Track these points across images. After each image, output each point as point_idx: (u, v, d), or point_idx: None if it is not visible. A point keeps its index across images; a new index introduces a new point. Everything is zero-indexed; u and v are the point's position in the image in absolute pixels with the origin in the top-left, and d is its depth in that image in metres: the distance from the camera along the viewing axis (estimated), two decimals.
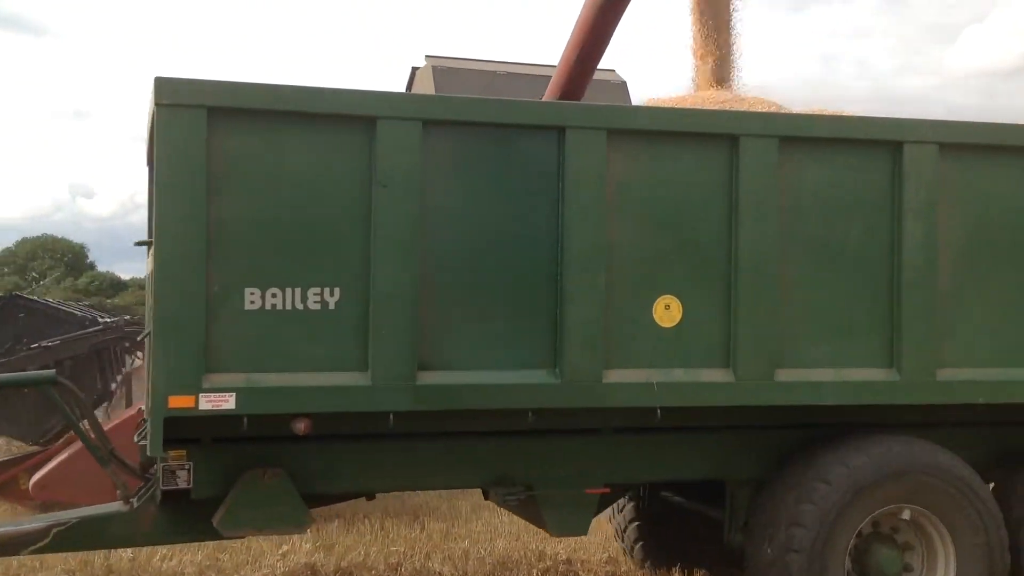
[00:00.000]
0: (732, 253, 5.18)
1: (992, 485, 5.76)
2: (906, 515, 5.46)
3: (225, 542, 7.29)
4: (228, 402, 4.58)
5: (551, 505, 5.50)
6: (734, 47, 13.25)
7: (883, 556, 5.47)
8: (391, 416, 4.85)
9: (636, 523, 7.17)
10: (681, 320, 5.17)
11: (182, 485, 4.96)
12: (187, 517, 5.23)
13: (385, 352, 4.76)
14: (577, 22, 8.54)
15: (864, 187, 5.37)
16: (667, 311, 5.15)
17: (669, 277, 5.16)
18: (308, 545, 7.57)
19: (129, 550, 7.09)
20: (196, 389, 4.54)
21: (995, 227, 5.54)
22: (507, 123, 4.97)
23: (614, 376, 5.07)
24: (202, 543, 7.16)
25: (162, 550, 7.21)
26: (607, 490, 5.54)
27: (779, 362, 5.26)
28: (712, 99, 6.91)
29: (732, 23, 13.37)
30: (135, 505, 5.32)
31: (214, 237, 4.58)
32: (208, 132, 4.55)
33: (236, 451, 5.01)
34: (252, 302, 4.65)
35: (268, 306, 4.67)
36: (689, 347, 5.18)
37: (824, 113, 7.34)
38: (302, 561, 7.17)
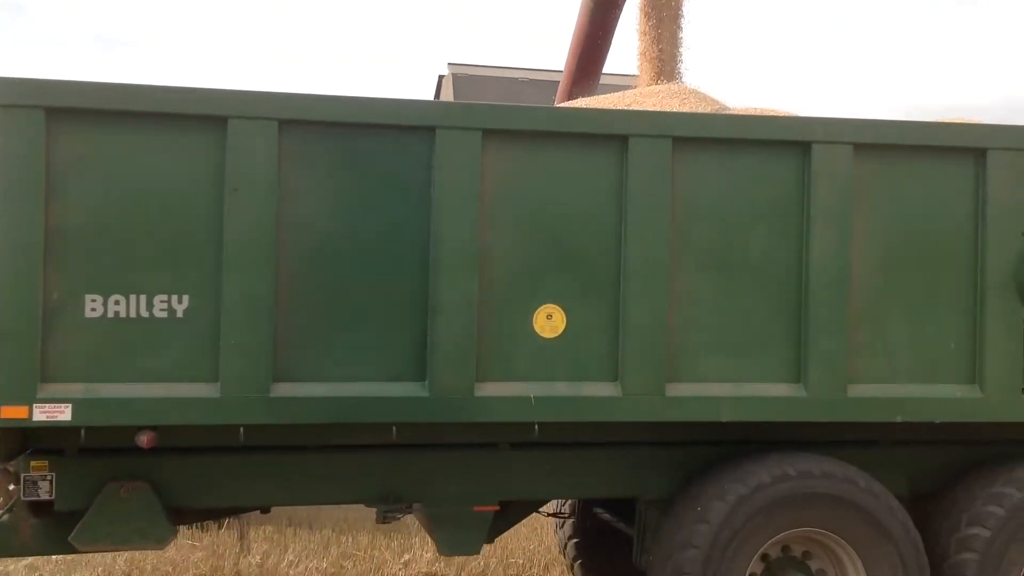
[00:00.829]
0: (620, 261, 4.86)
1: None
2: (814, 539, 5.10)
3: (348, 550, 7.83)
4: (64, 413, 4.39)
5: (440, 522, 5.24)
6: (681, 40, 12.88)
7: None
8: (242, 430, 4.63)
9: (574, 540, 6.90)
10: (564, 331, 4.86)
11: (44, 496, 4.79)
12: (65, 528, 5.07)
13: (236, 363, 4.53)
14: (574, 29, 8.36)
15: (769, 191, 5.00)
16: (549, 321, 4.85)
17: (552, 286, 4.85)
18: (429, 554, 7.62)
19: (257, 555, 7.39)
20: (30, 400, 4.35)
21: (916, 233, 5.13)
22: (373, 123, 4.70)
23: (489, 389, 4.78)
24: (326, 551, 7.71)
25: (289, 556, 7.47)
26: (496, 508, 5.25)
27: (672, 376, 4.93)
28: (644, 96, 6.62)
29: (682, 16, 12.96)
30: (4, 516, 5.17)
31: (53, 242, 4.39)
32: (47, 133, 4.37)
33: (102, 463, 4.83)
34: (93, 309, 4.45)
35: (111, 314, 4.47)
36: (573, 359, 4.87)
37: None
38: (423, 571, 7.36)
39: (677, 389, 4.93)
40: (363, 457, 5.10)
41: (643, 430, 5.14)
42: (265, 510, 5.73)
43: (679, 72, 7.54)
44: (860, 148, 5.01)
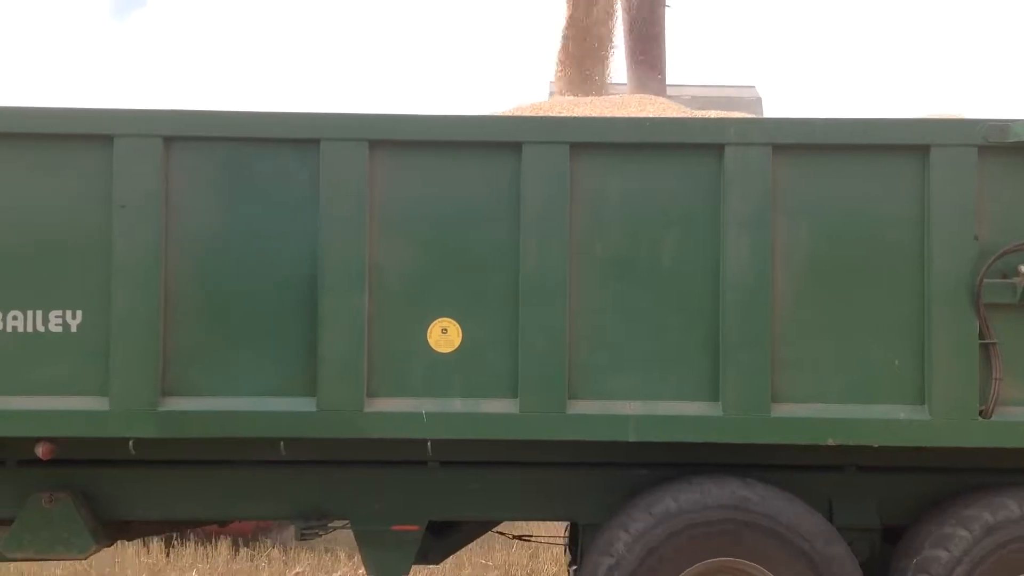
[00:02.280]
0: (518, 273, 4.67)
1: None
2: (737, 568, 4.71)
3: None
4: None
5: (366, 541, 5.16)
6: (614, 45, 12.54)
7: None
8: (131, 443, 4.71)
9: (574, 567, 6.65)
10: (460, 345, 4.70)
11: None
12: None
13: (124, 377, 4.62)
14: None
15: (681, 197, 4.69)
16: (444, 335, 4.71)
17: (447, 299, 4.71)
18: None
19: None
20: None
21: (852, 240, 4.70)
22: (259, 137, 4.72)
23: (380, 405, 4.68)
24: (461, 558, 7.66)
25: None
26: (416, 527, 5.11)
27: (575, 393, 4.68)
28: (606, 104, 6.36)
29: (614, 20, 12.53)
30: None
31: None
32: None
33: (36, 474, 5.02)
34: None
35: (9, 328, 4.65)
36: (470, 375, 4.70)
37: None
38: None
39: (580, 406, 4.67)
40: (289, 472, 5.08)
41: (581, 450, 4.90)
42: (222, 524, 5.82)
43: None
44: (780, 149, 4.63)
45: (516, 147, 4.65)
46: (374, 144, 4.66)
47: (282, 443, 4.76)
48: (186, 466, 5.05)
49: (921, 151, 4.62)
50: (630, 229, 4.70)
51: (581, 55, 11.66)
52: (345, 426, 4.66)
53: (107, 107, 4.74)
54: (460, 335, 4.70)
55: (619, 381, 4.70)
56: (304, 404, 4.66)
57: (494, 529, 5.95)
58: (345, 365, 4.64)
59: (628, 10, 11.57)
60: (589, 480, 5.09)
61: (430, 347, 4.70)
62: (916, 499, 5.02)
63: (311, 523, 5.12)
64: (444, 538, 5.56)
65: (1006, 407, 4.62)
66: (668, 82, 12.73)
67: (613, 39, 12.52)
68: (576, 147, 4.65)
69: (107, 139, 4.62)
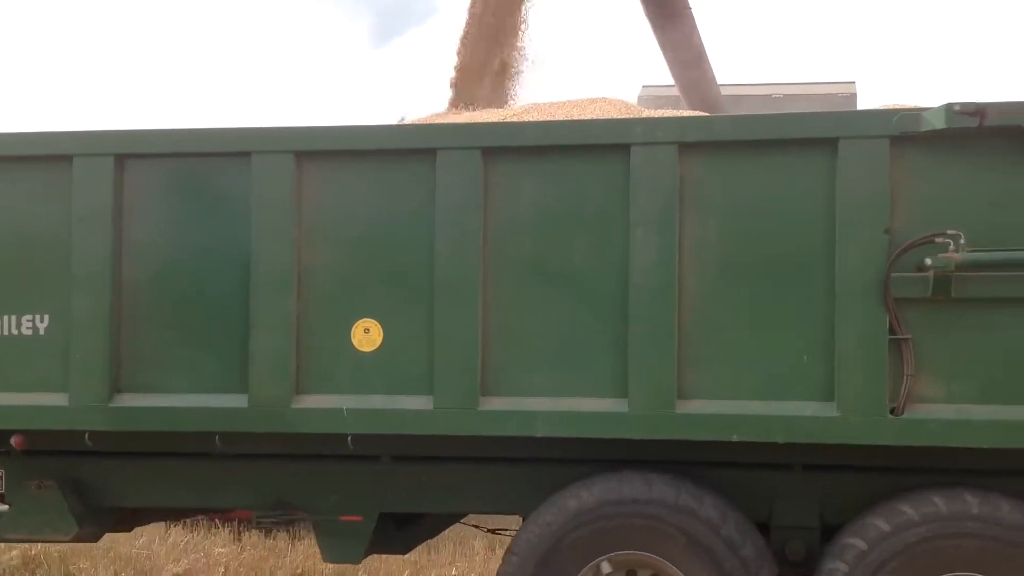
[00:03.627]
0: (433, 274, 4.86)
1: None
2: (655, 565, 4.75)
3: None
4: None
5: (322, 530, 5.46)
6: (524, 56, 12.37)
7: None
8: (87, 435, 5.16)
9: None
10: (381, 345, 4.94)
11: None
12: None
13: (81, 375, 5.09)
14: None
15: (590, 198, 4.77)
16: (367, 335, 4.95)
17: (370, 300, 4.95)
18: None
19: None
20: None
21: (760, 236, 4.65)
22: (198, 152, 5.10)
23: (307, 401, 4.97)
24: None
25: None
26: (359, 518, 5.36)
27: (488, 390, 4.83)
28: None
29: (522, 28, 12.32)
30: None
31: None
32: None
33: (39, 462, 5.55)
34: None
35: None
36: (390, 373, 4.93)
37: None
38: None
39: (492, 403, 4.82)
40: (254, 465, 5.43)
41: (521, 446, 5.02)
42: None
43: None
44: (686, 147, 4.64)
45: (431, 153, 4.84)
46: (300, 155, 4.95)
47: (217, 437, 5.11)
48: (160, 458, 5.47)
49: (830, 144, 4.54)
50: (542, 230, 4.82)
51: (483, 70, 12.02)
52: (274, 421, 4.97)
53: (66, 130, 5.21)
54: (381, 335, 4.94)
55: (531, 378, 4.82)
56: (237, 400, 5.00)
57: (464, 521, 6.15)
58: (274, 363, 4.95)
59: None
60: (535, 475, 5.20)
61: (354, 346, 4.95)
62: (858, 498, 4.90)
63: (270, 513, 5.47)
64: (407, 529, 5.81)
65: (919, 404, 4.48)
66: (759, 80, 12.61)
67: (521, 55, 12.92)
68: (488, 152, 4.80)
69: (67, 159, 5.10)
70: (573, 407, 4.75)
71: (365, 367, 4.94)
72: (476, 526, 6.19)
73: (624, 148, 4.68)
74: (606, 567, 4.75)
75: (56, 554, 7.94)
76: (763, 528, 4.99)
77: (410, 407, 4.88)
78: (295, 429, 5.00)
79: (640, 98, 14.63)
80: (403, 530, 5.79)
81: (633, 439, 4.74)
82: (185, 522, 8.09)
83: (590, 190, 4.77)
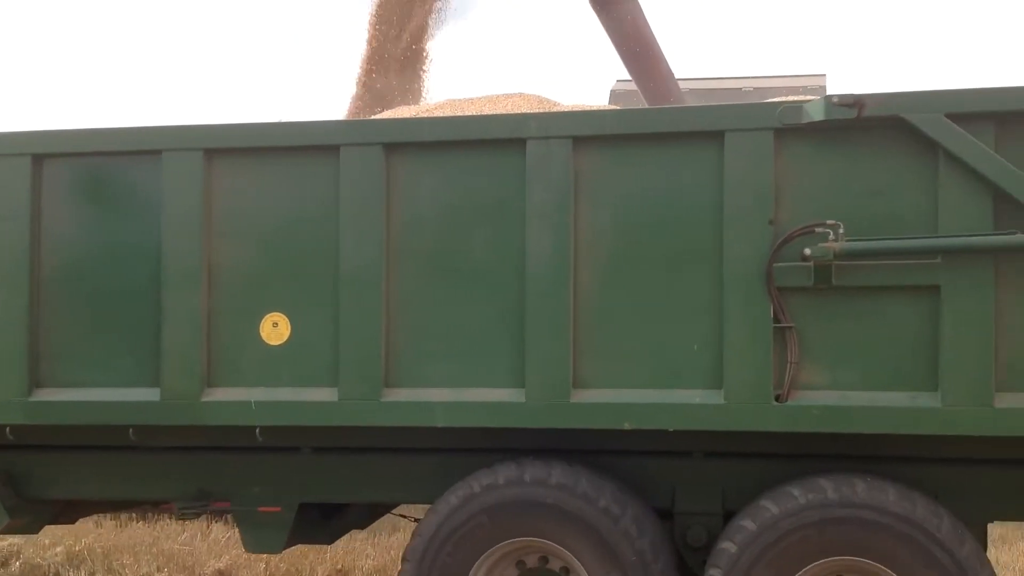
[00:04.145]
0: (338, 269, 4.97)
1: None
2: (546, 550, 4.88)
3: None
4: None
5: (243, 521, 5.58)
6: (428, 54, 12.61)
7: None
8: (8, 429, 5.29)
9: None
10: (290, 338, 5.05)
11: None
12: None
13: (2, 372, 5.21)
14: None
15: (488, 192, 4.87)
16: (275, 329, 5.07)
17: (278, 295, 5.07)
18: None
19: None
20: None
21: (652, 228, 4.74)
22: (112, 151, 5.21)
23: (216, 395, 5.08)
24: None
25: None
26: (279, 509, 5.47)
27: (390, 381, 4.94)
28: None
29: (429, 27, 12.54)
30: None
31: None
32: None
33: None
34: None
35: None
36: (297, 365, 5.04)
37: None
38: None
39: (394, 394, 4.93)
40: (180, 457, 5.55)
41: (430, 436, 5.12)
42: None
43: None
44: (580, 141, 4.74)
45: (334, 150, 4.95)
46: (209, 152, 5.07)
47: (131, 430, 5.24)
48: (85, 451, 5.58)
49: (716, 137, 4.63)
50: (443, 224, 4.92)
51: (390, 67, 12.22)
52: (184, 414, 5.09)
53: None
54: (289, 329, 5.05)
55: (433, 369, 4.92)
56: (150, 394, 5.12)
57: (395, 512, 6.26)
58: (184, 357, 5.07)
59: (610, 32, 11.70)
60: (447, 465, 5.30)
61: (262, 340, 5.07)
62: (759, 484, 4.98)
63: (192, 504, 5.58)
64: (334, 520, 5.93)
65: (803, 391, 4.57)
66: (729, 74, 12.64)
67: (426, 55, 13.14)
68: (389, 147, 4.91)
69: None
70: (472, 397, 4.86)
71: (273, 360, 5.06)
72: (403, 516, 6.29)
73: (520, 143, 4.78)
74: (502, 552, 4.86)
75: (99, 550, 8.06)
76: (667, 515, 5.11)
77: (316, 399, 4.99)
78: (204, 422, 5.11)
79: (613, 92, 14.72)
80: (329, 520, 5.91)
81: (539, 429, 4.84)
82: (226, 518, 8.19)
83: (489, 184, 4.87)
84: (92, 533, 8.57)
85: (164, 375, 5.09)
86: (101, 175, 5.25)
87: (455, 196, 4.91)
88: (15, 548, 7.91)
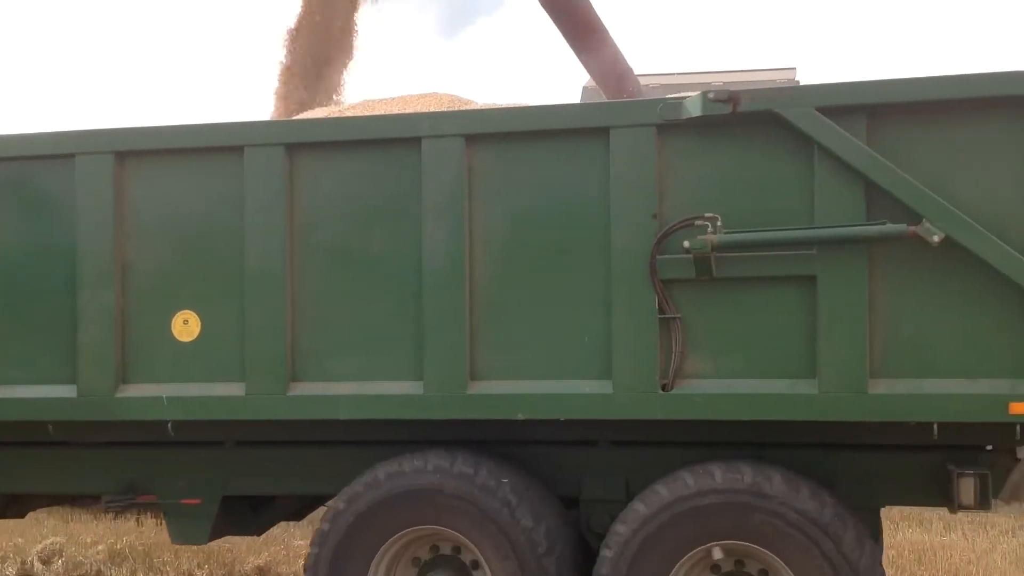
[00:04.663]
0: (244, 267, 5.11)
1: None
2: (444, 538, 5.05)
3: None
4: None
5: (168, 513, 5.74)
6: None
7: None
8: None
9: None
10: (200, 335, 5.20)
11: None
12: None
13: None
14: None
15: (387, 190, 5.01)
16: (186, 326, 5.21)
17: (188, 293, 5.22)
18: None
19: None
20: None
21: (544, 223, 4.86)
22: (27, 156, 5.37)
23: (129, 391, 5.24)
24: None
25: None
26: (198, 501, 5.63)
27: (296, 376, 5.09)
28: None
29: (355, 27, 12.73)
30: None
31: None
32: None
33: None
34: None
35: None
36: (207, 361, 5.19)
37: None
38: None
39: (299, 388, 5.08)
40: (107, 452, 5.71)
41: (342, 429, 5.26)
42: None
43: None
44: (472, 139, 4.86)
45: (239, 151, 5.09)
46: (120, 155, 5.22)
47: (50, 426, 5.40)
48: (21, 447, 5.75)
49: (602, 134, 4.74)
50: (344, 221, 5.06)
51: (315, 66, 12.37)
52: (99, 410, 5.25)
53: None
54: (199, 325, 5.20)
55: (337, 364, 5.07)
56: (67, 391, 5.29)
57: (328, 505, 6.40)
58: (99, 355, 5.23)
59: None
60: (363, 457, 5.44)
61: (174, 337, 5.22)
62: (663, 472, 5.09)
63: (119, 497, 5.74)
64: (262, 512, 6.08)
65: (688, 380, 4.69)
66: (700, 69, 12.70)
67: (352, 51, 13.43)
68: (291, 148, 5.05)
69: None
70: (374, 390, 4.99)
71: (185, 356, 5.21)
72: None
73: (415, 141, 4.91)
74: (404, 539, 5.03)
75: (140, 548, 8.21)
76: (574, 502, 5.25)
77: (224, 394, 5.14)
78: (118, 417, 5.27)
79: (585, 89, 14.75)
80: (258, 512, 6.06)
81: (454, 420, 4.98)
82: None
83: (386, 182, 5.00)
84: (133, 531, 8.77)
85: (80, 372, 5.25)
86: (19, 179, 5.40)
87: (355, 194, 5.04)
88: (57, 546, 8.06)
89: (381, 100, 6.75)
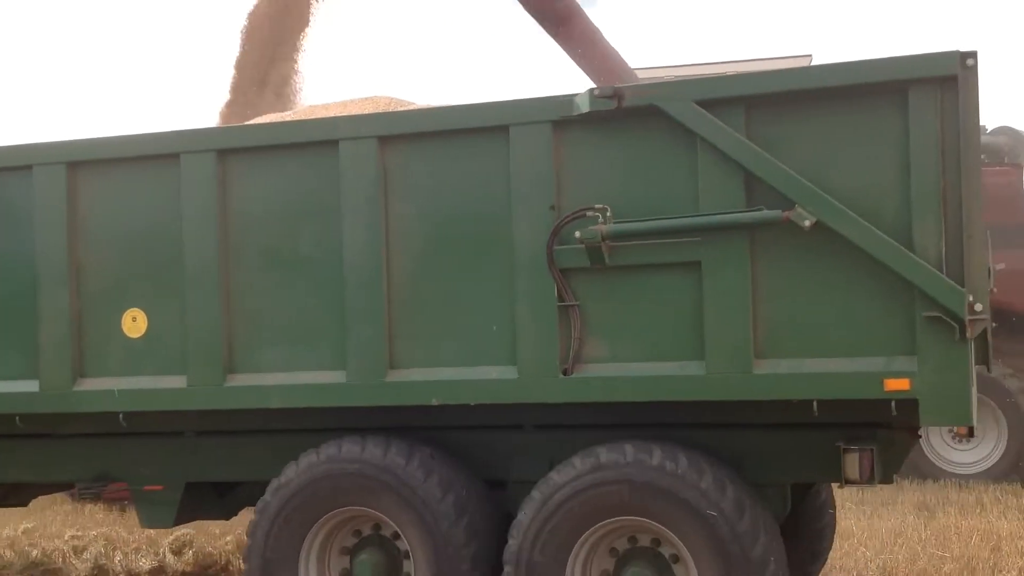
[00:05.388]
0: (183, 266, 5.47)
1: None
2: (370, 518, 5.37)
3: None
4: None
5: (137, 499, 6.15)
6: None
7: (362, 561, 5.40)
8: None
9: None
10: (147, 331, 5.58)
11: None
12: None
13: None
14: None
15: (311, 191, 5.32)
16: (134, 323, 5.60)
17: (136, 291, 5.61)
18: None
19: None
20: None
21: (454, 218, 5.13)
22: None
23: (86, 384, 5.65)
24: None
25: None
26: (159, 487, 6.02)
27: (232, 368, 5.44)
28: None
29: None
30: None
31: None
32: None
33: None
34: None
35: None
36: (155, 356, 5.57)
37: None
38: None
39: (236, 379, 5.43)
40: (82, 442, 6.14)
41: (280, 418, 5.56)
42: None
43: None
44: (386, 140, 5.15)
45: (175, 158, 5.46)
46: (72, 165, 5.62)
47: (17, 418, 5.83)
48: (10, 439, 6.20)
49: (503, 131, 4.98)
50: (273, 221, 5.39)
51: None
52: (60, 403, 5.67)
53: None
54: (146, 322, 5.59)
55: (270, 356, 5.41)
56: (31, 385, 5.71)
57: None
58: (57, 351, 5.64)
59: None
60: (311, 444, 5.76)
61: (124, 334, 5.61)
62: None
63: (91, 485, 6.17)
64: (227, 497, 6.46)
65: (587, 364, 4.91)
66: (714, 60, 12.73)
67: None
68: (222, 153, 5.39)
69: None
70: (302, 380, 5.32)
71: (135, 352, 5.60)
72: None
73: (333, 144, 5.21)
74: (335, 520, 5.36)
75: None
76: (504, 485, 5.51)
77: (169, 386, 5.52)
78: (76, 409, 5.68)
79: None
80: (225, 497, 6.43)
81: (392, 408, 5.28)
82: None
83: (309, 183, 5.32)
84: None
85: (42, 368, 5.67)
86: None
87: (282, 195, 5.37)
88: (188, 538, 8.44)
89: (324, 105, 7.10)
